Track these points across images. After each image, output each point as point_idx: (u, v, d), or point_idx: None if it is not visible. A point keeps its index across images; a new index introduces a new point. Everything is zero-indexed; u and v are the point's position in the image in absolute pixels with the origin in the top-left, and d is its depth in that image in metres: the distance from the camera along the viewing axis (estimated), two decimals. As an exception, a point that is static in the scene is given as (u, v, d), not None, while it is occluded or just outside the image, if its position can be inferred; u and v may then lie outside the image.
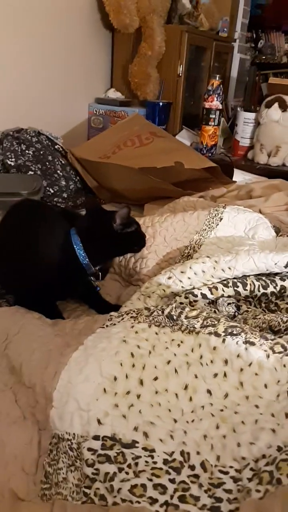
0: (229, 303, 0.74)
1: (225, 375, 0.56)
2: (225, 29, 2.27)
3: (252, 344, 0.57)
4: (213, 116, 1.70)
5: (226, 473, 0.45)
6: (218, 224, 0.94)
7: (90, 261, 0.77)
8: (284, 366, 0.55)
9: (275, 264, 0.76)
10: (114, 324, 0.65)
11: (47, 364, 0.58)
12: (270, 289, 0.75)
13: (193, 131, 1.95)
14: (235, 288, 0.75)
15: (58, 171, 1.49)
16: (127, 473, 0.46)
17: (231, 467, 0.46)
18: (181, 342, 0.60)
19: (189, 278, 0.76)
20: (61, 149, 1.57)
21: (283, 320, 0.65)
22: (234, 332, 0.59)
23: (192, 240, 0.92)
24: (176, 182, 1.32)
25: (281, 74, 2.76)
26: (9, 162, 1.38)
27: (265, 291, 0.75)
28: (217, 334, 0.59)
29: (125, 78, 1.95)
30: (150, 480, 0.45)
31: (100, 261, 0.81)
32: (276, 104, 1.69)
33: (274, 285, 0.75)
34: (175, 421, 0.51)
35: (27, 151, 1.43)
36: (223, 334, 0.59)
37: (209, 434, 0.49)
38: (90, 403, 0.52)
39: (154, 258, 0.91)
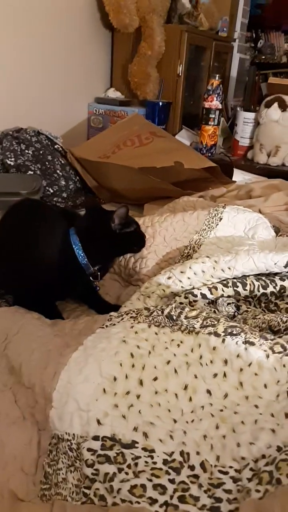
0: (228, 303, 0.74)
1: (224, 375, 0.56)
2: (224, 29, 2.27)
3: (252, 344, 0.57)
4: (213, 116, 1.69)
5: (225, 473, 0.45)
6: (217, 224, 0.94)
7: (89, 261, 0.77)
8: (284, 366, 0.55)
9: (275, 264, 0.76)
10: (114, 324, 0.65)
11: (46, 364, 0.58)
12: (270, 289, 0.75)
13: (193, 131, 1.95)
14: (235, 288, 0.75)
15: (58, 171, 1.49)
16: (126, 473, 0.46)
17: (230, 467, 0.46)
18: (181, 342, 0.60)
19: (188, 278, 0.76)
20: (60, 148, 1.56)
21: (283, 320, 0.65)
22: (234, 332, 0.59)
23: (191, 240, 0.92)
24: (175, 182, 1.31)
25: (281, 74, 2.76)
26: (8, 162, 1.38)
27: (264, 291, 0.75)
28: (216, 334, 0.59)
29: (124, 77, 1.95)
30: (150, 480, 0.45)
31: (99, 261, 0.81)
32: (275, 104, 1.68)
33: (274, 285, 0.75)
34: (175, 421, 0.51)
35: (26, 151, 1.43)
36: (222, 334, 0.59)
37: (209, 434, 0.49)
38: (89, 403, 0.52)
39: (154, 258, 0.91)
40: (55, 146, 1.55)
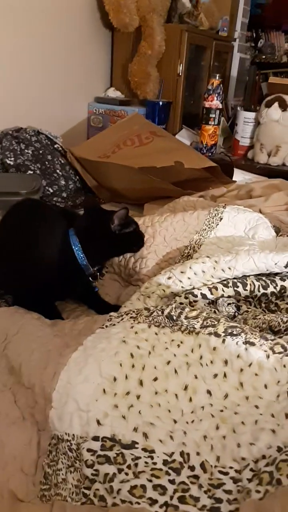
0: (229, 303, 0.74)
1: (225, 375, 0.56)
2: (225, 28, 2.27)
3: (252, 344, 0.57)
4: (213, 116, 1.69)
5: (226, 473, 0.45)
6: (218, 224, 0.94)
7: (88, 261, 0.77)
8: (284, 366, 0.55)
9: (275, 264, 0.76)
10: (114, 325, 0.65)
11: (46, 364, 0.58)
12: (270, 289, 0.75)
13: (193, 131, 1.95)
14: (235, 288, 0.75)
15: (58, 171, 1.49)
16: (126, 474, 0.46)
17: (231, 467, 0.46)
18: (181, 342, 0.60)
19: (189, 278, 0.76)
20: (60, 148, 1.56)
21: (283, 320, 0.65)
22: (234, 333, 0.59)
23: (192, 240, 0.92)
24: (176, 181, 1.31)
25: (281, 73, 2.76)
26: (8, 162, 1.38)
27: (265, 291, 0.75)
28: (217, 335, 0.59)
29: (125, 77, 1.95)
30: (150, 481, 0.45)
31: (98, 261, 0.81)
32: (276, 104, 1.68)
33: (274, 285, 0.75)
34: (175, 421, 0.51)
35: (26, 151, 1.43)
36: (223, 334, 0.59)
37: (209, 435, 0.49)
38: (89, 403, 0.52)
39: (154, 258, 0.91)
40: (55, 146, 1.55)
